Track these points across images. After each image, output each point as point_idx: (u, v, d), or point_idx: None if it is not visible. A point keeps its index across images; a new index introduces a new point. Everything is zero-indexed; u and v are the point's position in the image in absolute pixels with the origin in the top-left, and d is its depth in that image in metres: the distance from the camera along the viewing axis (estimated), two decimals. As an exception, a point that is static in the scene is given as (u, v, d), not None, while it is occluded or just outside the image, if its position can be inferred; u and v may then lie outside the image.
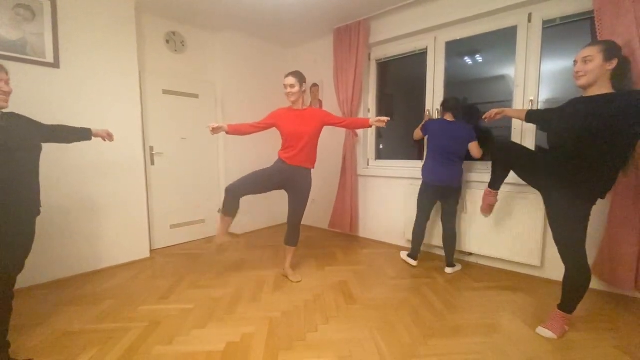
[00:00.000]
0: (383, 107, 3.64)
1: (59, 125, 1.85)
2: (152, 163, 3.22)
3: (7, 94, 1.46)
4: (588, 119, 1.44)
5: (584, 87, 1.53)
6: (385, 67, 3.58)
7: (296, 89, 2.33)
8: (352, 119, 2.56)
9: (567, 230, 1.63)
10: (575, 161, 1.52)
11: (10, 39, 2.22)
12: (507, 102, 2.71)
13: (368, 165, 3.65)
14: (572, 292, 1.68)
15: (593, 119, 1.43)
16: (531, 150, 1.88)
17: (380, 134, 3.66)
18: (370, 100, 3.61)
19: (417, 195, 2.77)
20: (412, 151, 3.41)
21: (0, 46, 2.17)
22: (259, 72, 3.96)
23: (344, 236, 3.71)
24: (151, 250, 3.14)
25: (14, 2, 2.22)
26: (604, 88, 1.46)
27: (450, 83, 3.05)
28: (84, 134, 1.97)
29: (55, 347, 1.65)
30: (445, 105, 2.67)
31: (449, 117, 2.65)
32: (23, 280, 2.33)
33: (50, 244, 2.43)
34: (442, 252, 3.00)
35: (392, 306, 2.07)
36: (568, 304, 1.71)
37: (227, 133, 2.29)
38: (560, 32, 2.44)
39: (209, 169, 3.74)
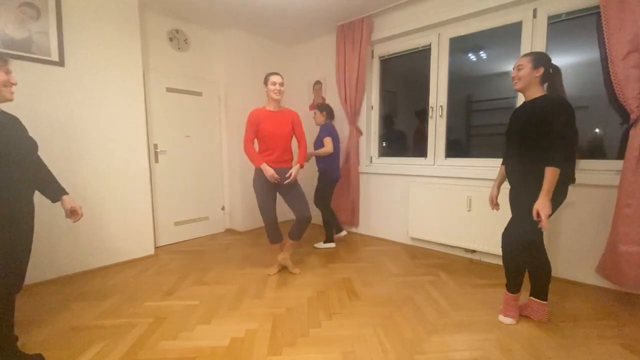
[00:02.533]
0: (386, 104, 3.63)
1: (45, 166, 1.63)
2: (157, 161, 3.24)
3: (14, 85, 1.44)
4: (519, 120, 1.74)
5: (520, 91, 1.78)
6: (389, 64, 3.56)
7: (283, 87, 2.42)
8: (301, 151, 2.52)
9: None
10: (517, 158, 1.75)
11: (16, 37, 2.24)
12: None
13: (371, 162, 3.65)
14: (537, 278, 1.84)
15: (518, 120, 1.76)
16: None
17: (384, 130, 3.65)
18: (373, 97, 3.60)
19: (421, 193, 2.76)
20: (416, 148, 3.40)
21: (6, 45, 2.19)
22: (261, 69, 3.95)
23: (348, 233, 3.71)
24: (156, 247, 3.17)
25: (19, 1, 2.24)
26: (536, 92, 1.72)
27: (454, 79, 3.03)
28: (51, 192, 1.62)
29: (62, 342, 1.67)
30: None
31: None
32: (30, 277, 2.36)
33: (56, 241, 2.46)
34: (446, 250, 3.01)
35: (395, 303, 2.07)
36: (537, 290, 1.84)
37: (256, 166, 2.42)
38: (566, 27, 2.42)
39: (213, 167, 3.76)
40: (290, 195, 2.48)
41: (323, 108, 3.12)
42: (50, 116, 2.41)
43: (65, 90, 2.47)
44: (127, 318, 1.91)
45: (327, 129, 3.03)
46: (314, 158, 3.16)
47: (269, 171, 2.33)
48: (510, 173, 1.83)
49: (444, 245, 2.99)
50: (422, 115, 3.31)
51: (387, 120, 3.65)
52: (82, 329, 1.80)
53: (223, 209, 3.95)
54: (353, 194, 3.50)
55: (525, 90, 1.75)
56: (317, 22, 3.50)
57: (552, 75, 1.72)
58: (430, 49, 3.11)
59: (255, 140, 2.47)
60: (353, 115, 3.44)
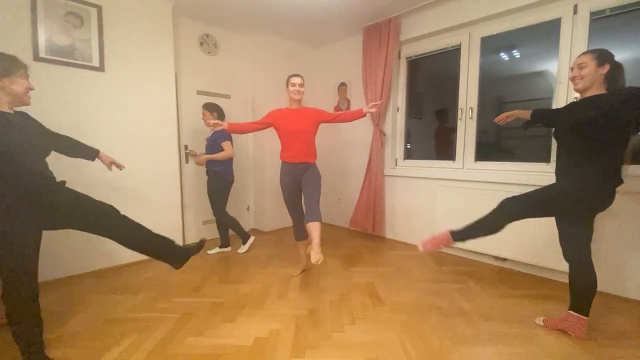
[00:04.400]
0: (413, 106, 3.56)
1: (66, 137, 1.78)
2: (187, 161, 3.35)
3: (31, 90, 1.50)
4: (585, 112, 1.58)
5: (581, 91, 1.67)
6: (416, 65, 3.49)
7: (303, 88, 2.46)
8: (346, 112, 2.57)
9: (576, 228, 1.68)
10: (579, 154, 1.63)
11: (61, 44, 2.40)
12: (548, 99, 2.56)
13: (396, 165, 3.59)
14: (579, 291, 1.72)
15: (588, 111, 1.57)
16: (537, 193, 1.78)
17: (409, 132, 3.57)
18: (399, 98, 3.54)
19: (449, 197, 2.68)
20: (443, 151, 3.31)
21: (52, 52, 2.36)
22: (287, 71, 3.95)
23: (369, 236, 3.67)
24: (184, 243, 3.28)
25: (64, 10, 2.40)
26: (598, 91, 1.61)
27: (485, 80, 2.92)
28: (88, 154, 1.86)
29: (97, 333, 1.77)
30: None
31: None
32: (68, 269, 2.53)
33: (92, 236, 2.59)
34: (475, 258, 2.89)
35: (420, 310, 2.02)
36: (578, 304, 1.73)
37: (226, 131, 2.45)
38: (610, 23, 2.26)
39: (239, 167, 3.84)
40: (306, 192, 2.41)
41: (214, 108, 2.93)
42: (91, 118, 2.56)
43: (105, 94, 2.62)
44: (157, 312, 1.99)
45: (224, 133, 2.86)
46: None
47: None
48: (564, 175, 1.72)
49: (472, 252, 2.88)
50: (445, 114, 3.22)
51: (413, 123, 3.58)
52: (115, 321, 1.89)
53: (248, 209, 4.02)
54: (377, 197, 3.45)
55: (587, 91, 1.64)
56: (342, 24, 3.49)
57: (615, 72, 1.60)
58: (460, 48, 3.01)
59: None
60: (378, 117, 3.40)
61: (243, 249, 3.15)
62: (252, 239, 3.21)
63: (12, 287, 1.36)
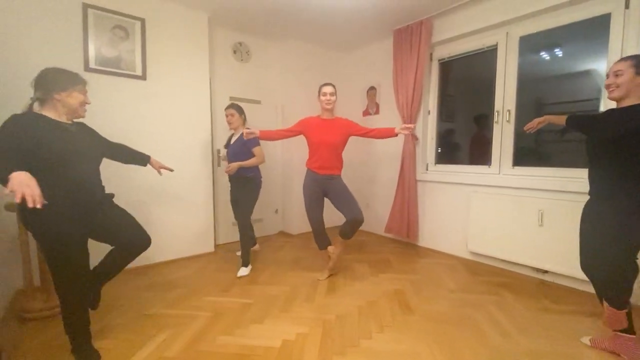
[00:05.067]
0: (445, 109, 3.45)
1: (121, 145, 1.90)
2: (219, 164, 3.48)
3: (87, 104, 1.60)
4: (620, 126, 1.50)
5: (616, 100, 1.58)
6: (448, 67, 3.39)
7: (334, 98, 2.47)
8: (379, 129, 2.56)
9: (612, 243, 1.51)
10: (612, 169, 1.54)
11: (109, 56, 2.59)
12: (595, 100, 2.38)
13: (427, 169, 3.49)
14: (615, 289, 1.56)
15: (624, 125, 1.49)
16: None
17: (441, 136, 3.47)
18: (431, 101, 3.45)
19: (484, 204, 2.56)
20: (477, 156, 3.17)
21: (100, 62, 2.55)
22: (317, 76, 4.04)
23: (399, 243, 3.59)
24: (216, 245, 3.39)
25: (112, 24, 2.58)
26: (636, 100, 1.51)
27: (523, 81, 2.77)
28: (140, 160, 1.99)
29: (135, 327, 1.86)
30: None
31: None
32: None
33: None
34: (512, 268, 2.74)
35: (452, 321, 1.94)
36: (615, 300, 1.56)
37: (259, 138, 2.52)
38: (669, 17, 2.07)
39: (269, 171, 3.92)
40: (339, 198, 2.50)
41: (242, 110, 2.79)
42: (134, 123, 2.73)
43: (147, 101, 2.79)
44: (189, 310, 2.07)
45: (255, 139, 2.66)
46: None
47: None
48: (598, 187, 1.63)
49: (509, 262, 2.73)
50: (484, 120, 3.09)
51: (445, 126, 3.47)
52: (151, 317, 1.98)
53: (276, 211, 4.08)
54: (410, 202, 3.37)
55: (623, 101, 1.55)
56: (372, 27, 3.47)
57: None
58: (496, 48, 2.89)
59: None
60: (409, 121, 3.33)
61: (244, 271, 2.67)
62: (250, 267, 2.78)
63: (65, 282, 1.47)
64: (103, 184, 1.69)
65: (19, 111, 1.43)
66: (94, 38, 2.51)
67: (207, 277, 2.61)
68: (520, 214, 2.60)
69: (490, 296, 2.29)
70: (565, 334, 1.80)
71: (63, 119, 1.52)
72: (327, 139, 2.46)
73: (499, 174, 2.90)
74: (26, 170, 1.17)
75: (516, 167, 2.80)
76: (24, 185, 1.12)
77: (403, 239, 3.57)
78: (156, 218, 2.88)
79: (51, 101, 1.48)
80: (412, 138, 3.36)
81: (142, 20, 2.70)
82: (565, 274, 2.38)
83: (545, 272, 2.53)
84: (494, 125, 2.92)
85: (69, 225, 1.44)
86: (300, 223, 3.97)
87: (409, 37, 3.29)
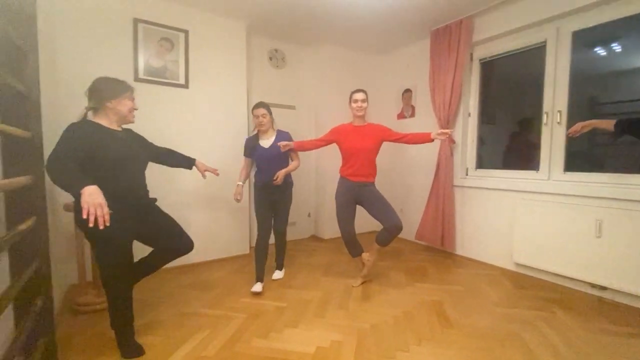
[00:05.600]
0: (486, 111, 3.28)
1: (167, 150, 1.99)
2: (255, 167, 3.55)
3: (135, 110, 1.70)
4: None
5: None
6: (490, 67, 3.22)
7: (365, 104, 2.45)
8: (413, 134, 2.47)
9: None
10: None
11: (155, 66, 2.76)
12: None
13: (467, 174, 3.32)
14: None
15: None
16: None
17: (482, 140, 3.29)
18: (471, 103, 3.29)
19: (531, 212, 2.38)
20: (523, 160, 2.97)
21: (148, 72, 2.72)
22: (351, 80, 4.02)
23: (435, 251, 3.45)
24: (251, 247, 3.46)
25: (159, 36, 2.75)
26: None
27: (576, 79, 2.55)
28: (186, 163, 2.05)
29: (175, 324, 1.94)
30: None
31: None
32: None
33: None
34: (564, 283, 2.51)
35: (496, 338, 1.81)
36: None
37: (294, 149, 2.52)
38: None
39: (303, 175, 3.95)
40: (375, 206, 2.44)
41: (271, 110, 2.56)
42: (177, 128, 2.88)
43: (188, 108, 2.94)
44: (226, 310, 2.12)
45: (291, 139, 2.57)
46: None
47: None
48: None
49: (560, 276, 2.51)
50: (530, 122, 2.89)
51: (487, 128, 3.29)
52: (190, 315, 2.05)
53: (309, 215, 4.10)
54: (445, 209, 3.23)
55: None
56: (408, 29, 3.40)
57: None
58: (545, 45, 2.70)
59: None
60: (446, 123, 3.20)
61: (279, 275, 2.70)
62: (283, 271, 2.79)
63: (111, 280, 1.57)
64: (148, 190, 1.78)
65: (74, 119, 1.55)
66: (143, 50, 2.68)
67: (242, 279, 2.67)
68: (575, 223, 2.38)
69: (540, 312, 2.11)
70: (627, 359, 1.61)
71: (114, 125, 1.62)
72: (359, 145, 2.43)
73: (549, 179, 2.69)
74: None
75: (568, 173, 2.59)
76: (96, 204, 1.21)
77: (438, 247, 3.42)
78: (195, 220, 3.00)
79: (103, 109, 1.58)
80: (449, 142, 3.22)
81: (186, 32, 2.85)
82: (627, 292, 2.14)
83: (604, 288, 2.29)
84: (543, 127, 2.71)
85: (117, 227, 1.53)
86: (332, 228, 3.95)
87: (448, 37, 3.17)
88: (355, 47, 3.94)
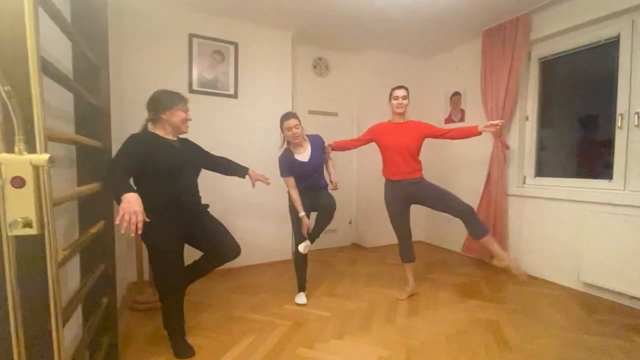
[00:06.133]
0: (547, 113, 3.01)
1: (222, 158, 2.06)
2: (297, 175, 3.60)
3: (189, 121, 1.76)
4: None
5: None
6: (551, 66, 2.95)
7: (406, 101, 2.34)
8: (458, 128, 2.31)
9: None
10: None
11: (208, 78, 2.91)
12: None
13: (524, 183, 3.07)
14: None
15: None
16: None
17: (542, 145, 3.02)
18: (529, 105, 3.04)
19: (603, 226, 2.12)
20: (591, 168, 2.67)
21: (201, 84, 2.88)
22: (394, 85, 3.93)
23: (485, 265, 3.20)
24: (292, 253, 3.48)
25: (211, 50, 2.91)
26: None
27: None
28: (239, 172, 2.08)
29: (223, 328, 1.98)
30: None
31: None
32: (204, 266, 2.93)
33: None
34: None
35: (567, 367, 1.62)
36: None
37: (333, 149, 2.45)
38: None
39: (344, 182, 3.91)
40: (435, 198, 2.28)
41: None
42: (227, 136, 3.01)
43: (237, 117, 3.06)
44: (271, 317, 2.13)
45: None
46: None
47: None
48: None
49: (638, 299, 2.20)
50: (599, 125, 2.60)
51: (548, 133, 3.02)
52: (237, 320, 2.09)
53: (350, 222, 4.04)
54: (497, 220, 2.99)
55: None
56: (457, 30, 3.24)
57: None
58: (618, 40, 2.42)
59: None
60: (500, 128, 2.98)
61: (302, 299, 2.39)
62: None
63: (163, 281, 1.65)
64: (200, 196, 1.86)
65: (134, 130, 1.67)
66: (197, 63, 2.85)
67: (286, 284, 2.68)
68: (659, 241, 2.08)
69: (616, 340, 1.86)
70: None
71: (170, 135, 1.71)
72: (400, 141, 2.32)
73: (625, 190, 2.38)
74: (137, 182, 1.34)
75: (651, 183, 2.27)
76: (131, 212, 1.24)
77: (488, 261, 3.17)
78: (240, 225, 3.09)
79: (159, 120, 1.67)
80: (502, 146, 3.00)
81: (236, 45, 2.99)
82: None
83: (700, 318, 1.96)
84: (617, 131, 2.42)
85: (170, 231, 1.61)
86: (375, 236, 3.86)
87: (502, 36, 2.97)
88: (399, 51, 3.85)
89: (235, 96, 3.01)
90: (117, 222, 1.24)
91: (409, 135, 2.34)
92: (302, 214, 2.24)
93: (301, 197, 2.30)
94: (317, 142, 2.38)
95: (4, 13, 0.71)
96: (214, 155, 2.02)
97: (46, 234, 0.67)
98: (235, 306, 2.28)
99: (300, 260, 2.41)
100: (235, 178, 2.16)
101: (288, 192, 2.34)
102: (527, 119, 3.05)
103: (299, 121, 2.25)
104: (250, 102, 3.11)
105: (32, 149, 0.68)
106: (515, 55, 2.87)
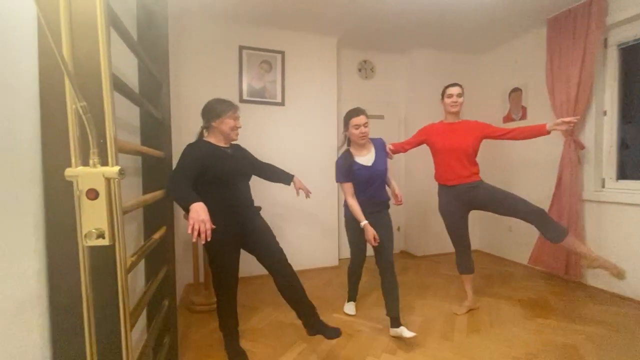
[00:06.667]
0: (629, 107, 2.61)
1: (269, 165, 2.05)
2: (343, 180, 3.55)
3: (239, 129, 1.78)
4: None
5: None
6: (634, 53, 2.56)
7: (461, 99, 2.16)
8: (521, 127, 2.05)
9: None
10: None
11: (256, 87, 3.00)
12: None
13: (603, 187, 2.69)
14: None
15: None
16: None
17: (626, 144, 2.63)
18: (607, 98, 2.67)
19: None
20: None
21: (251, 94, 2.98)
22: (444, 84, 3.73)
23: (555, 279, 2.86)
24: (339, 259, 3.43)
25: (260, 60, 3.00)
26: None
27: None
28: (285, 179, 2.07)
29: (273, 335, 1.99)
30: None
31: None
32: (254, 270, 2.99)
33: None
34: None
35: (674, 409, 1.35)
36: None
37: (392, 152, 2.26)
38: None
39: (391, 187, 3.79)
40: (499, 202, 2.07)
41: None
42: (275, 143, 3.07)
43: (285, 124, 3.12)
44: (320, 325, 2.09)
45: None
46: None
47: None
48: None
49: None
50: None
51: (631, 129, 2.62)
52: (286, 326, 2.09)
53: (398, 229, 3.88)
54: (571, 229, 2.64)
55: None
56: (516, 21, 2.97)
57: None
58: None
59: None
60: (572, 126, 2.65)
61: (351, 309, 2.32)
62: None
63: (219, 283, 1.70)
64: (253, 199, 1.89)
65: (190, 140, 1.74)
66: (246, 73, 2.96)
67: (332, 292, 2.64)
68: None
69: None
70: None
71: (222, 143, 1.74)
72: (455, 143, 2.13)
73: None
74: (195, 189, 1.40)
75: None
76: (200, 221, 1.30)
77: (560, 275, 2.82)
78: (289, 231, 3.12)
79: (212, 129, 1.72)
80: (575, 145, 2.66)
81: (282, 53, 3.05)
82: None
83: None
84: None
85: (226, 235, 1.65)
86: (425, 244, 3.66)
87: (572, 23, 2.66)
88: (449, 48, 3.64)
89: (282, 104, 3.07)
90: (188, 232, 1.30)
91: (465, 136, 2.15)
92: (364, 222, 1.93)
93: (355, 222, 2.01)
94: (381, 145, 2.11)
95: (80, 35, 0.77)
96: (261, 162, 2.05)
97: (116, 244, 0.70)
98: (284, 312, 2.27)
99: (354, 274, 2.29)
100: (285, 187, 2.17)
101: (345, 201, 2.06)
102: (604, 113, 2.68)
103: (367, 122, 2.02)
104: (297, 109, 3.15)
105: (104, 162, 0.72)
106: (588, 42, 2.55)
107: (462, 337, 1.94)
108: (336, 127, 3.32)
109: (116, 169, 0.67)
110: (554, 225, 1.95)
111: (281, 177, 2.09)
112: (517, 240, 3.33)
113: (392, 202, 2.14)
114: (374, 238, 1.90)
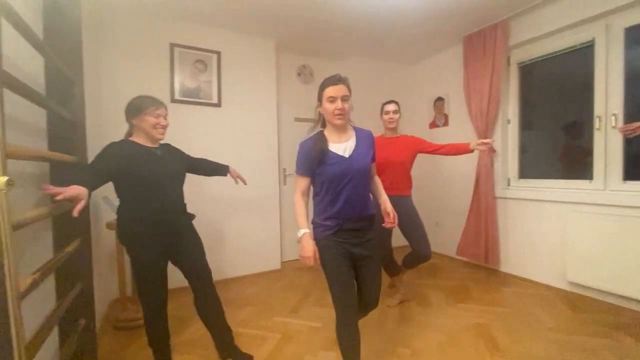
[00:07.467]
0: (527, 116, 3.07)
1: (201, 159, 1.99)
2: (285, 183, 3.56)
3: (165, 127, 1.64)
4: None
5: None
6: (530, 70, 3.02)
7: (397, 115, 2.37)
8: (451, 145, 2.35)
9: None
10: None
11: (190, 87, 2.86)
12: None
13: (509, 185, 3.11)
14: None
15: None
16: None
17: (524, 147, 3.08)
18: (510, 109, 3.10)
19: (586, 225, 2.16)
20: (572, 168, 2.73)
21: (184, 94, 2.83)
22: (380, 92, 3.95)
23: (475, 267, 3.23)
24: (282, 262, 3.43)
25: (194, 59, 2.87)
26: None
27: (633, 78, 2.32)
28: (221, 170, 2.08)
29: (211, 344, 1.89)
30: None
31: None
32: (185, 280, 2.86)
33: (208, 252, 2.93)
34: (629, 305, 2.24)
35: (557, 369, 1.62)
36: None
37: None
38: None
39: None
40: (408, 225, 2.33)
41: None
42: (211, 145, 2.95)
43: (221, 126, 3.02)
44: (260, 330, 2.08)
45: None
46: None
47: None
48: None
49: (626, 298, 2.24)
50: (578, 127, 2.67)
51: (529, 135, 3.08)
52: (225, 334, 2.03)
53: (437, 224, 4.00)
54: (488, 222, 3.02)
55: None
56: (439, 36, 3.30)
57: None
58: (593, 45, 2.49)
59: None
60: (484, 132, 3.03)
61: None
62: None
63: (144, 295, 1.57)
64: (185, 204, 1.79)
65: (114, 139, 1.59)
66: (179, 72, 2.81)
67: (274, 296, 2.63)
68: (633, 237, 2.13)
69: (604, 340, 1.88)
70: None
71: (148, 143, 1.59)
72: (393, 158, 2.32)
73: (605, 189, 2.44)
74: (119, 193, 1.29)
75: (629, 182, 2.33)
76: (71, 188, 1.11)
77: (480, 264, 3.20)
78: (227, 234, 3.03)
79: (135, 127, 1.57)
80: (490, 151, 3.04)
81: (218, 53, 2.95)
82: None
83: (682, 314, 2.01)
84: (595, 132, 2.48)
85: (154, 243, 1.54)
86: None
87: (482, 42, 3.04)
88: (383, 57, 3.88)
89: (218, 105, 2.97)
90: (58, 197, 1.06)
91: (404, 151, 2.34)
92: (302, 231, 1.43)
93: (333, 245, 1.42)
94: (366, 137, 1.55)
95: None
96: (195, 158, 1.95)
97: (5, 262, 0.62)
98: (223, 320, 2.21)
99: (351, 340, 1.47)
100: (219, 180, 2.13)
101: (313, 218, 1.51)
102: (509, 122, 3.11)
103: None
104: (234, 110, 3.07)
105: (-10, 170, 0.64)
106: (495, 60, 2.93)
107: (394, 327, 2.09)
108: (276, 129, 3.32)
109: (3, 179, 0.60)
110: (415, 264, 2.40)
111: (216, 169, 2.06)
112: (444, 235, 3.67)
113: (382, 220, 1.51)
114: (311, 261, 1.39)
